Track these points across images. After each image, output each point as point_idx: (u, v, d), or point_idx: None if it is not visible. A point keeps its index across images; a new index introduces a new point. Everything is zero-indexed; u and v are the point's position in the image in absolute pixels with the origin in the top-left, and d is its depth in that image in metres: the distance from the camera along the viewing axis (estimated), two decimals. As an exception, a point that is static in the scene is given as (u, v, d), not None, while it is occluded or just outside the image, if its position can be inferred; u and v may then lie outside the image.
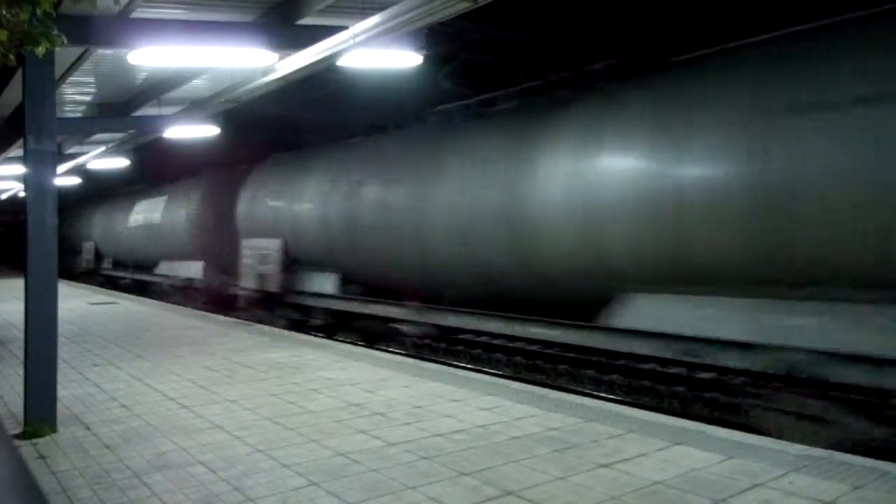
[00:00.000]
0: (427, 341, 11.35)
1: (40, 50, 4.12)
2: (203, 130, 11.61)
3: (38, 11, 3.83)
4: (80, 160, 16.62)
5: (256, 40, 7.22)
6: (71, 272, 29.47)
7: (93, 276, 27.91)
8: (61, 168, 16.79)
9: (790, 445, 5.06)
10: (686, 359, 7.35)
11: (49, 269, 5.76)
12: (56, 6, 4.44)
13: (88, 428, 5.62)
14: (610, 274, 8.03)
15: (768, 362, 6.59)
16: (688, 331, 7.20)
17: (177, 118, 11.75)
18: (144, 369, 8.06)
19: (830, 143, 6.04)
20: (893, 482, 4.26)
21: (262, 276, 13.92)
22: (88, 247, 28.69)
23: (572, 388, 8.60)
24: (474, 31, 9.89)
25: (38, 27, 3.98)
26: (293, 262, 13.67)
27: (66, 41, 4.29)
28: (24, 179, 6.15)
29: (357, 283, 12.55)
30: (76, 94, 11.66)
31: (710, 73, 7.42)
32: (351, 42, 6.41)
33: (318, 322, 13.06)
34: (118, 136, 14.58)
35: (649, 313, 7.63)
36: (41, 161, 5.75)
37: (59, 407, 5.79)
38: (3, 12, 3.72)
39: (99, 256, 27.91)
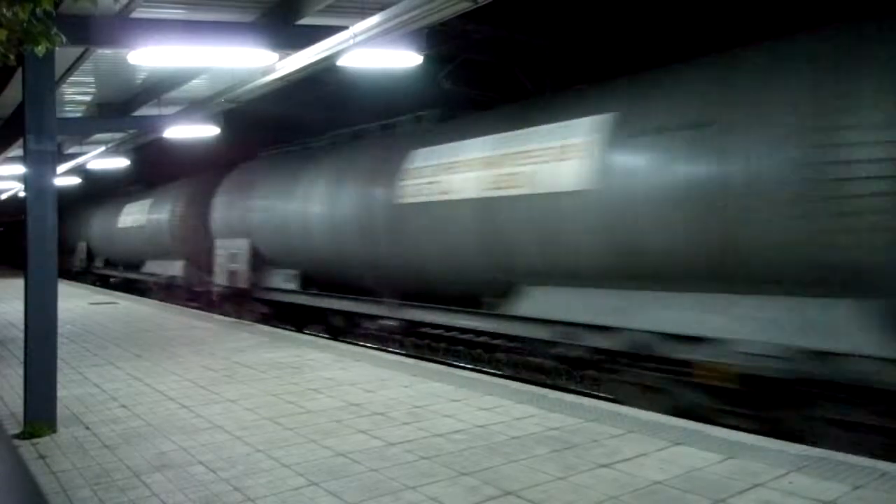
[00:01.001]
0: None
1: (40, 49, 4.11)
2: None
3: (39, 10, 3.83)
4: (80, 160, 16.63)
5: (256, 40, 7.23)
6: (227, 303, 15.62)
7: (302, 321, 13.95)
8: (62, 168, 16.79)
9: (790, 445, 5.06)
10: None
11: (49, 268, 5.75)
12: (56, 5, 4.44)
13: (88, 428, 5.62)
14: None
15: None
16: None
17: (177, 118, 11.76)
18: (144, 369, 8.06)
19: None
20: (893, 482, 4.26)
21: None
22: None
23: (572, 388, 8.59)
24: (474, 31, 9.88)
25: (38, 26, 3.97)
26: None
27: (65, 40, 4.29)
28: (24, 179, 6.15)
29: None
30: (76, 94, 11.68)
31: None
32: (351, 42, 6.41)
33: None
34: (118, 135, 14.59)
35: None
36: (41, 161, 5.75)
37: (59, 407, 5.79)
38: (4, 11, 3.72)
39: (308, 280, 13.43)
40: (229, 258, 15.16)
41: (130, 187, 24.29)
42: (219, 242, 15.75)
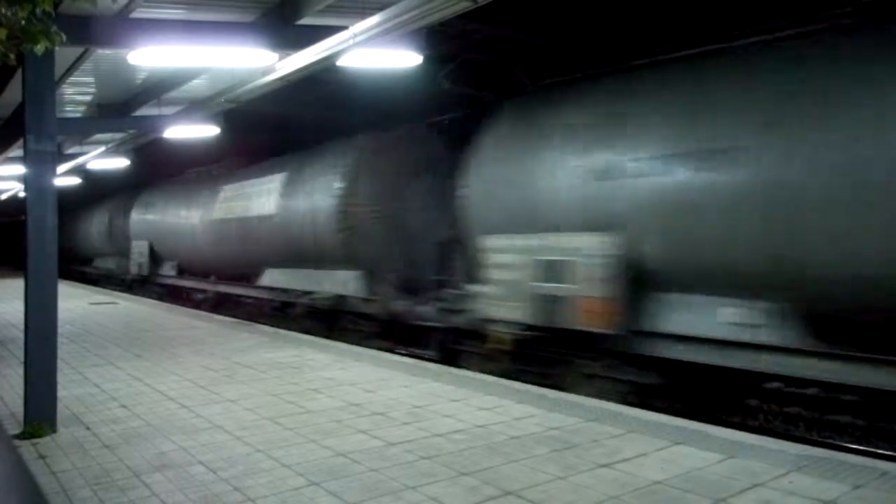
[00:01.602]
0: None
1: (39, 48, 4.11)
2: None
3: (38, 10, 3.83)
4: (80, 160, 16.63)
5: (256, 40, 7.23)
6: None
7: None
8: (62, 168, 16.79)
9: (790, 445, 5.06)
10: None
11: (49, 269, 5.75)
12: (56, 5, 4.44)
13: (88, 428, 5.62)
14: None
15: None
16: None
17: (177, 118, 11.75)
18: (144, 369, 8.05)
19: None
20: (893, 482, 4.26)
21: None
22: None
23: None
24: (474, 31, 9.88)
25: (38, 26, 3.97)
26: None
27: (65, 39, 4.29)
28: (24, 179, 6.16)
29: None
30: (76, 94, 11.67)
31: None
32: (351, 42, 6.41)
33: None
34: (118, 135, 14.58)
35: None
36: (41, 161, 5.75)
37: (59, 407, 5.79)
38: (3, 10, 3.72)
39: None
40: (545, 271, 8.07)
41: (228, 161, 17.38)
42: (496, 241, 8.87)
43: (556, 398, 6.60)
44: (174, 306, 16.11)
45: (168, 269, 20.07)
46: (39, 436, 5.36)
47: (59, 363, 6.05)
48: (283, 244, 13.33)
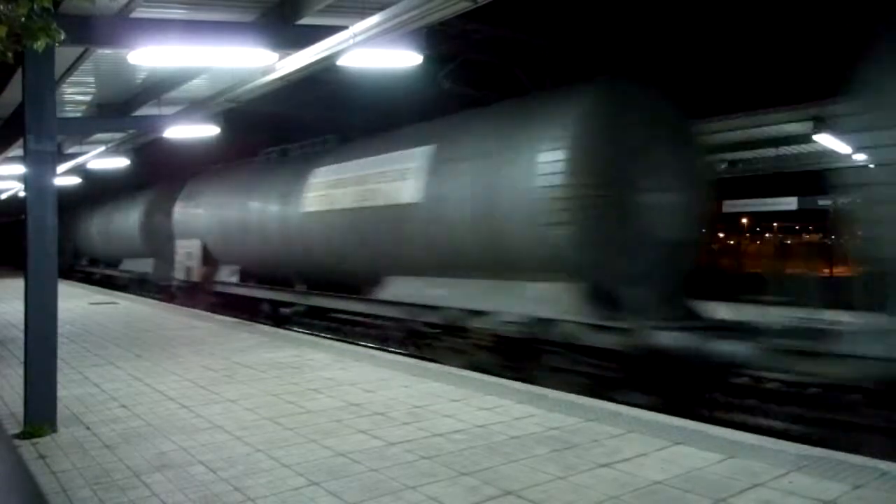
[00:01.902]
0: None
1: (39, 44, 4.11)
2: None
3: (37, 6, 3.83)
4: (80, 160, 16.63)
5: (256, 40, 7.23)
6: None
7: None
8: (61, 168, 16.79)
9: (790, 445, 5.06)
10: None
11: (49, 269, 5.75)
12: (56, 4, 4.44)
13: (88, 428, 5.62)
14: None
15: None
16: None
17: (177, 118, 11.76)
18: (144, 369, 8.05)
19: None
20: (893, 482, 4.26)
21: None
22: None
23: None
24: (474, 31, 9.88)
25: (38, 22, 3.97)
26: None
27: (65, 35, 4.29)
28: (24, 179, 6.16)
29: None
30: (76, 94, 11.68)
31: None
32: (351, 42, 6.42)
33: None
34: (118, 135, 14.59)
35: None
36: (41, 161, 5.75)
37: (59, 407, 5.78)
38: (2, 8, 3.72)
39: None
40: None
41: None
42: None
43: (555, 398, 6.60)
44: (174, 306, 16.04)
45: (226, 275, 16.08)
46: (39, 436, 5.36)
47: (59, 363, 6.04)
48: (432, 243, 9.80)
